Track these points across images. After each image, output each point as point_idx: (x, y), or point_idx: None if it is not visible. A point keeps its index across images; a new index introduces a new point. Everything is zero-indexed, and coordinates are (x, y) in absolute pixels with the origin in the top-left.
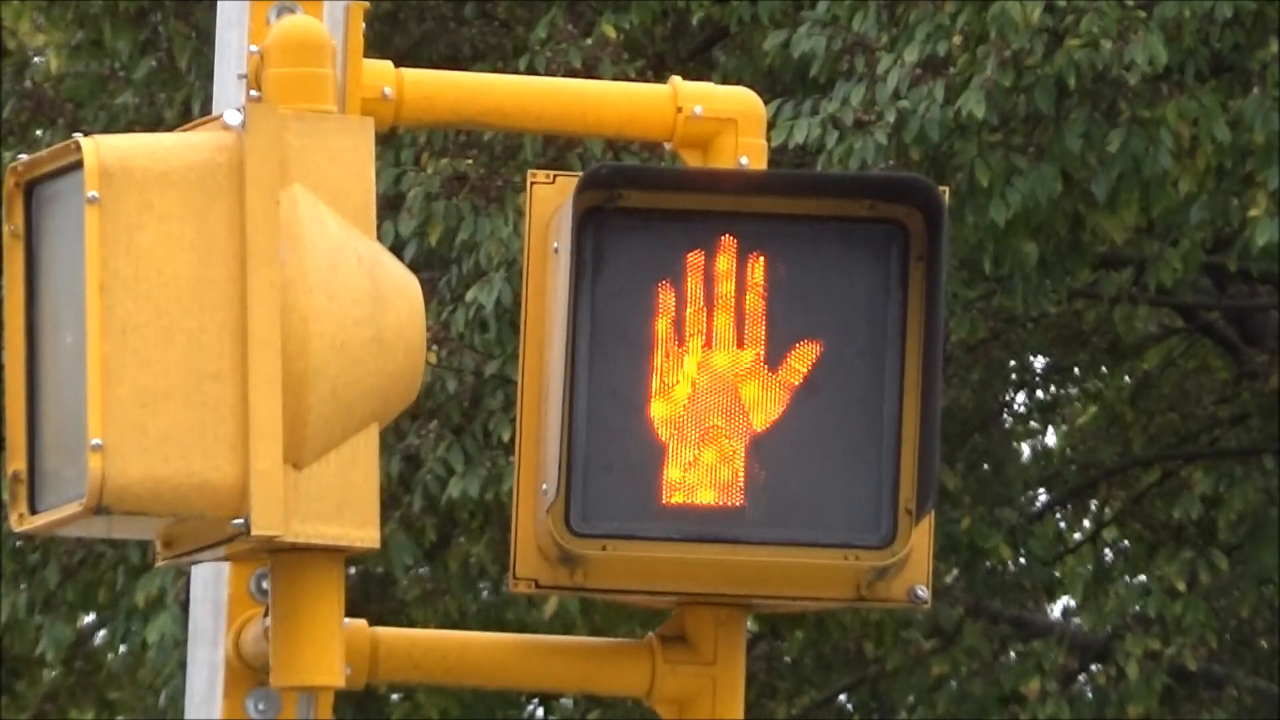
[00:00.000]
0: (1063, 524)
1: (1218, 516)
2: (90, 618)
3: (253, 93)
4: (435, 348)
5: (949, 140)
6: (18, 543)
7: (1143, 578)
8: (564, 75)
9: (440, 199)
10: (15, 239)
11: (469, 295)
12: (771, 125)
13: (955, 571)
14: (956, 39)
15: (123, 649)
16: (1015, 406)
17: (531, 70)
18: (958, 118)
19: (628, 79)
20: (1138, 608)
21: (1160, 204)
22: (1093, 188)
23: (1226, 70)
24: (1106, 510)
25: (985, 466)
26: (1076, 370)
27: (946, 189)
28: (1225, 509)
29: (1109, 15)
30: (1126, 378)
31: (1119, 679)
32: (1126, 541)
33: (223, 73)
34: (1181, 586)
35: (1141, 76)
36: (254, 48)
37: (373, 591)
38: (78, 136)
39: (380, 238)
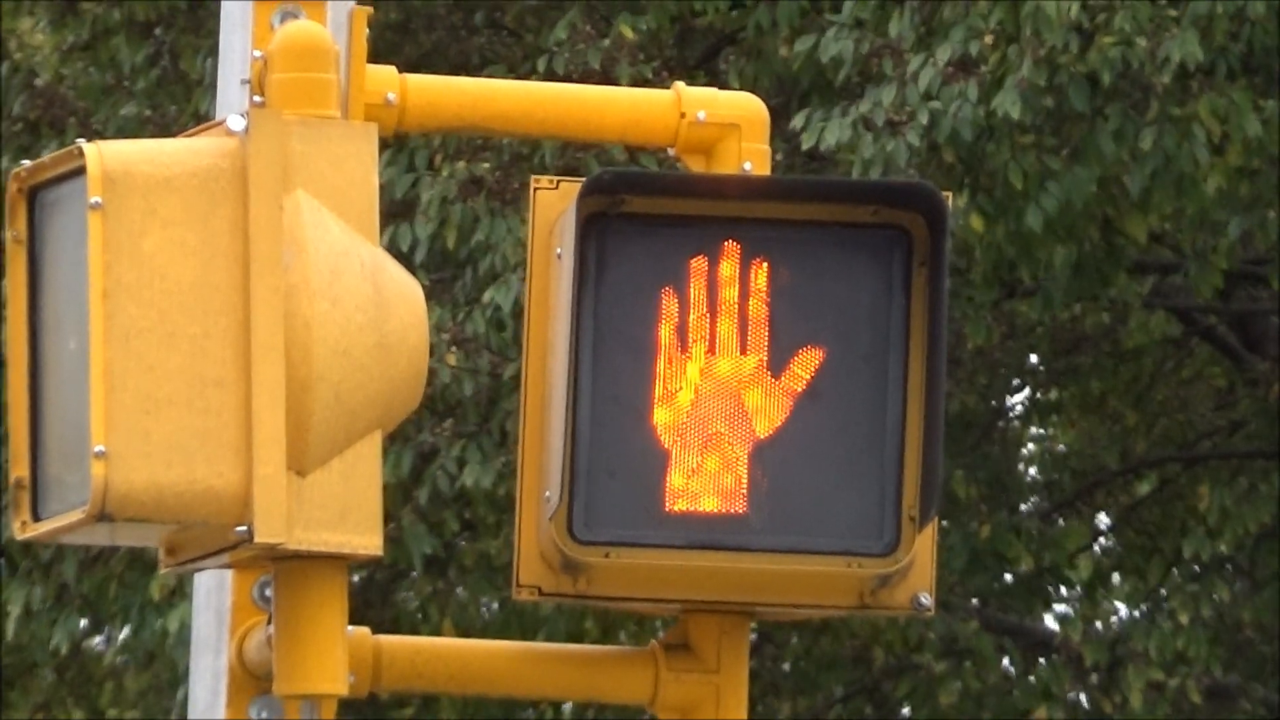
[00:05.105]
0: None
1: (1224, 529)
2: (84, 623)
3: (256, 98)
4: (454, 349)
5: (981, 141)
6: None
7: (1144, 600)
8: (581, 76)
9: (457, 202)
10: (18, 245)
11: (485, 296)
12: (803, 129)
13: (956, 577)
14: (988, 38)
15: (133, 644)
16: (1015, 410)
17: (550, 72)
18: (990, 118)
19: (644, 80)
20: (1140, 646)
21: (1193, 203)
22: (1127, 183)
23: (1256, 71)
24: (1103, 517)
25: (994, 469)
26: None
27: (949, 194)
28: (1231, 524)
29: (1141, 12)
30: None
31: (1123, 704)
32: (1124, 550)
33: (226, 78)
34: (1185, 619)
35: (1173, 74)
36: (257, 53)
37: (374, 599)
38: (80, 142)
39: (396, 241)
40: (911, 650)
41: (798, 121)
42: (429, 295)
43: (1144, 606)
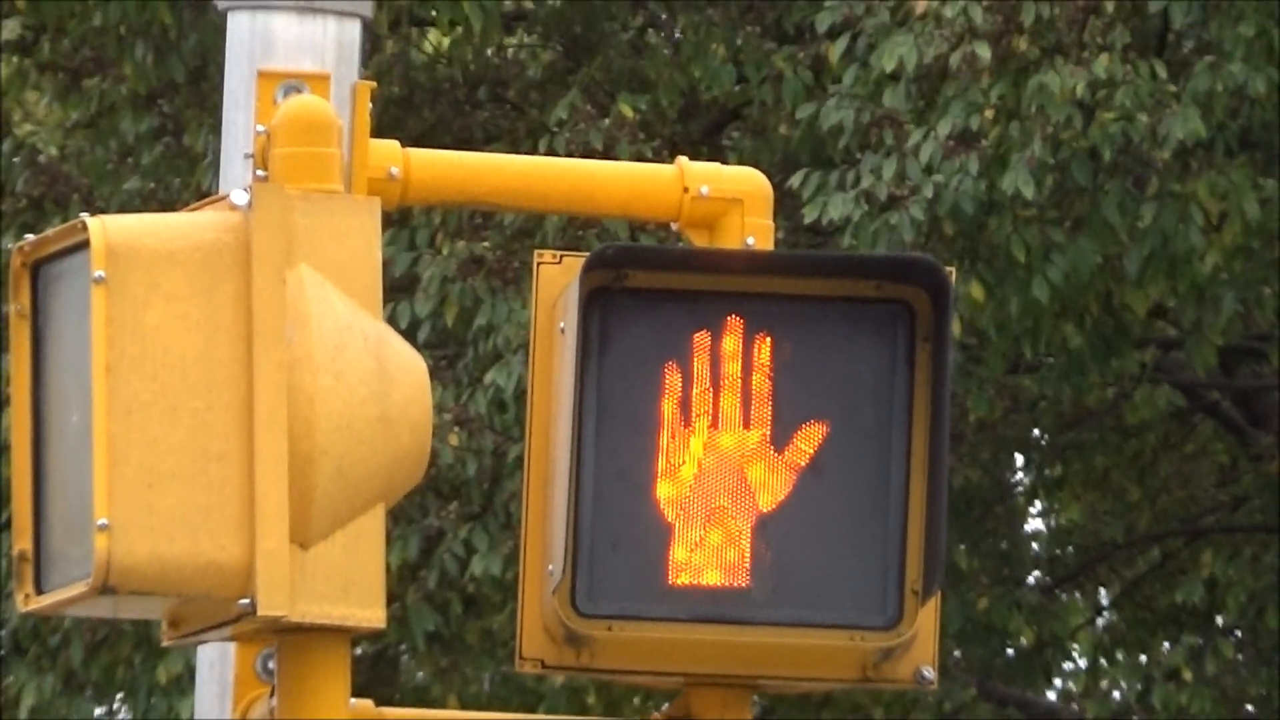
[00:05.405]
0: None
1: (1227, 597)
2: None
3: (259, 172)
4: (457, 429)
5: (980, 214)
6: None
7: (1144, 659)
8: (583, 155)
9: (457, 281)
10: (21, 318)
11: (487, 378)
12: (800, 185)
13: (957, 653)
14: (989, 112)
15: None
16: (1020, 485)
17: (551, 152)
18: (992, 192)
19: (644, 158)
20: (1139, 699)
21: (1187, 280)
22: (1125, 263)
23: (1256, 146)
24: (1105, 591)
25: (1004, 545)
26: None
27: (953, 269)
28: (1234, 591)
29: (1142, 88)
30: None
31: None
32: (1125, 625)
33: (229, 152)
34: (1188, 675)
35: (1172, 151)
36: (260, 127)
37: (385, 674)
38: (84, 216)
39: (396, 318)
40: (908, 709)
41: (795, 180)
42: (431, 375)
43: (1151, 674)
